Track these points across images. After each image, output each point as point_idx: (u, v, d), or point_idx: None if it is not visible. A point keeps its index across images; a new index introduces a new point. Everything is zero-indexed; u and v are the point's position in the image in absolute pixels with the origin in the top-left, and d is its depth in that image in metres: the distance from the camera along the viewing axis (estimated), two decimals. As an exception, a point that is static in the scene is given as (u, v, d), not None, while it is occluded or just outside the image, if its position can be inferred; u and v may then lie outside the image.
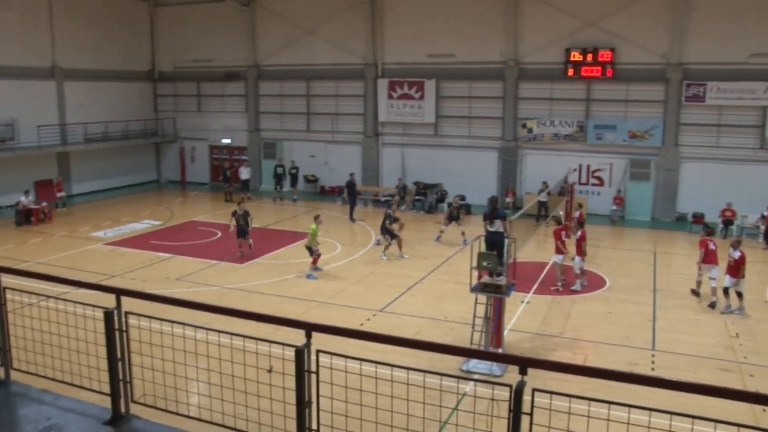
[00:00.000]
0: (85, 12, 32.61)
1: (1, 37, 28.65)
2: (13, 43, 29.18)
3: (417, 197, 29.69)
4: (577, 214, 21.14)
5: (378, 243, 22.21)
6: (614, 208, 27.19)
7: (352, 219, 26.77)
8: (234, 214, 20.86)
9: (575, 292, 17.35)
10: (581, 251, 17.40)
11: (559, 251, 17.67)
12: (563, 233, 17.74)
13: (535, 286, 17.86)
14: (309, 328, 4.89)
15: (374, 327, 14.63)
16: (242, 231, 20.76)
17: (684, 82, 26.06)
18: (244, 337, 5.54)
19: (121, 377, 5.67)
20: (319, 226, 19.23)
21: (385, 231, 20.95)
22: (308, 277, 18.69)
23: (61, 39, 31.37)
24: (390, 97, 31.22)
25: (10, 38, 29.03)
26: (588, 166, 28.23)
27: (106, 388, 5.73)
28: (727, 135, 25.91)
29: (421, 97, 30.60)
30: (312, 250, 18.87)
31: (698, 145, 26.39)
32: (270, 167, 33.19)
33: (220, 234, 23.82)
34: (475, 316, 12.94)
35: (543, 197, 25.50)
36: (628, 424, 4.45)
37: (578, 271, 17.55)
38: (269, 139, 34.74)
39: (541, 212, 25.92)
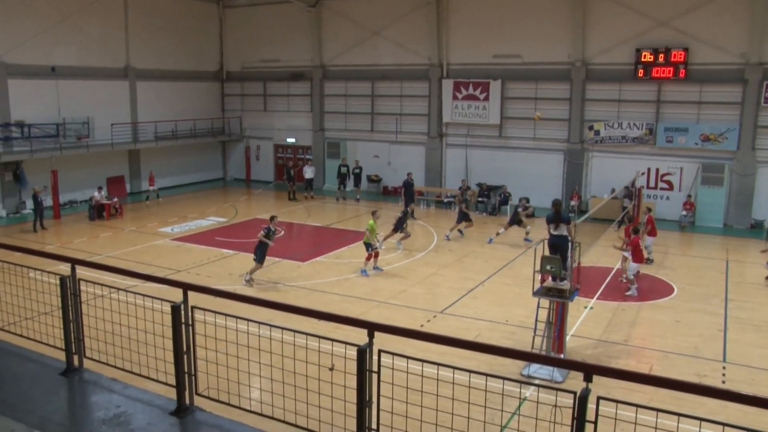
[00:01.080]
0: (158, 14, 33.65)
1: (81, 41, 29.94)
2: (91, 46, 30.42)
3: (480, 199, 29.41)
4: (644, 218, 20.62)
5: (447, 239, 23.56)
6: (684, 213, 26.28)
7: (412, 217, 26.65)
8: (269, 231, 18.10)
9: (639, 298, 16.92)
10: (638, 257, 17.18)
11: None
12: None
13: (599, 292, 17.46)
14: (372, 327, 4.89)
15: (434, 329, 14.57)
16: (264, 253, 18.00)
17: (764, 82, 24.98)
18: (307, 334, 5.58)
19: (186, 370, 5.80)
20: (376, 221, 19.26)
21: (401, 227, 21.53)
22: (362, 272, 18.70)
23: (134, 41, 32.46)
24: (455, 98, 31.06)
25: (88, 41, 30.28)
26: (657, 170, 27.41)
27: (172, 380, 5.88)
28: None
29: (486, 98, 30.32)
30: (370, 246, 18.86)
31: (777, 149, 25.33)
32: (334, 167, 33.51)
33: (282, 232, 24.20)
34: (537, 321, 12.75)
35: (626, 202, 25.01)
36: (698, 438, 4.27)
37: (631, 277, 17.26)
38: (333, 139, 35.04)
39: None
